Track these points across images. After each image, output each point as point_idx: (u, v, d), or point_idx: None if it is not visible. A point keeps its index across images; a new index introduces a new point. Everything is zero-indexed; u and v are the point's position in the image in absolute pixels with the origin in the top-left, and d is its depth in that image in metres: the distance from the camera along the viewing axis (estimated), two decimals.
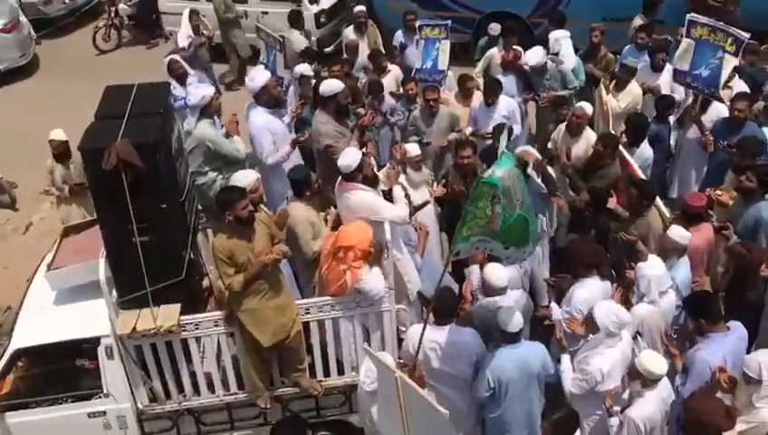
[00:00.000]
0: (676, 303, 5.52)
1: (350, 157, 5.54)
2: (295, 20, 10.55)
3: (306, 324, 5.44)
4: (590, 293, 5.33)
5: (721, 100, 7.32)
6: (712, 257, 6.17)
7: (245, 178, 5.69)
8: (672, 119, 7.90)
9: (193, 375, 5.57)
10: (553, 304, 5.46)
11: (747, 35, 7.12)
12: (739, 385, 4.51)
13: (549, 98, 8.33)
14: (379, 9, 11.50)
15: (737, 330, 4.94)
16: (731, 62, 7.14)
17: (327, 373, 5.70)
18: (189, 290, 5.57)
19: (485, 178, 4.25)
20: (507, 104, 7.97)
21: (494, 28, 9.47)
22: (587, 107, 7.40)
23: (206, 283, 6.09)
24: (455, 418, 5.11)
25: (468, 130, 7.91)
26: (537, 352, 5.00)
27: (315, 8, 12.14)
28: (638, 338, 5.22)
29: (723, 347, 4.82)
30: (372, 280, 5.23)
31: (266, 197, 6.36)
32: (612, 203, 6.29)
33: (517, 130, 7.88)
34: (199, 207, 6.18)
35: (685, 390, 4.84)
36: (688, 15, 7.57)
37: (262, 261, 5.00)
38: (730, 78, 7.59)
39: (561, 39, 8.51)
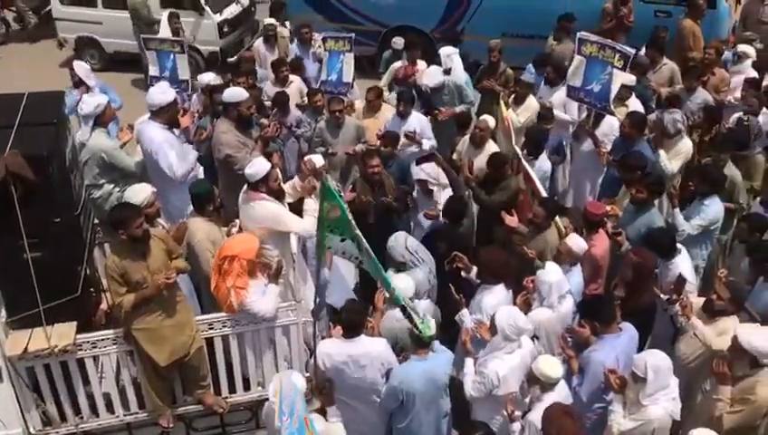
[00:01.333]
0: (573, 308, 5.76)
1: (257, 166, 5.48)
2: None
3: (210, 340, 5.33)
4: (497, 299, 5.47)
5: (612, 113, 7.69)
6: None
7: (141, 192, 5.53)
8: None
9: (91, 396, 5.35)
10: (464, 311, 5.57)
11: (633, 51, 7.54)
12: (629, 384, 4.70)
13: (448, 113, 8.52)
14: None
15: (628, 330, 5.16)
16: (619, 77, 7.51)
17: (232, 389, 5.61)
18: (86, 307, 5.37)
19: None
20: (418, 118, 8.11)
21: (398, 42, 9.66)
22: (490, 120, 7.62)
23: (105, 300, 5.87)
24: (366, 430, 5.17)
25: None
26: (444, 364, 5.06)
27: (218, 18, 12.01)
28: (535, 341, 5.38)
29: (615, 348, 5.02)
30: (260, 301, 5.19)
31: (164, 211, 6.19)
32: (513, 221, 6.48)
33: (427, 145, 8.01)
34: (96, 221, 5.95)
35: (581, 390, 5.02)
36: (579, 34, 7.94)
37: (155, 284, 4.87)
38: (626, 96, 8.02)
39: (452, 55, 8.79)
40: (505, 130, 8.06)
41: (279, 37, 10.32)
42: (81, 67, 8.18)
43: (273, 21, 10.43)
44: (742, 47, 9.25)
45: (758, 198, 6.97)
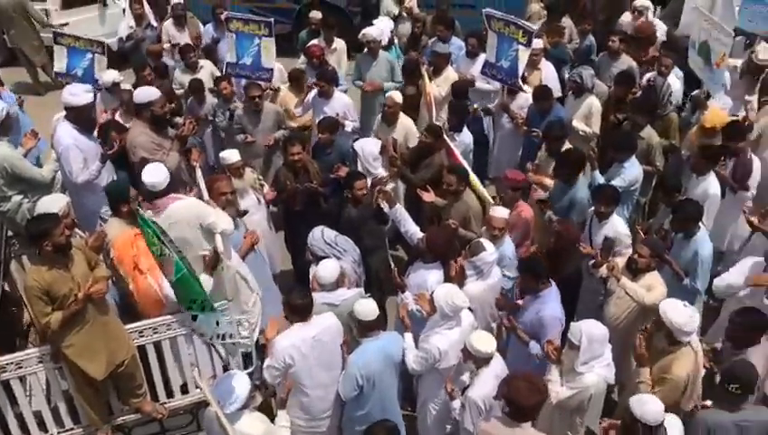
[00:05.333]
0: (511, 275, 5.90)
1: (156, 175, 5.15)
2: None
3: (143, 347, 5.18)
4: (437, 278, 5.53)
5: (521, 89, 7.79)
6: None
7: (54, 204, 5.26)
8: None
9: (20, 416, 5.14)
10: (407, 293, 5.58)
11: (535, 27, 7.63)
12: (564, 352, 4.83)
13: (374, 85, 8.43)
14: (192, 3, 11.06)
15: (553, 284, 5.32)
16: (525, 53, 7.60)
17: (170, 394, 5.48)
18: (6, 325, 5.12)
19: (141, 214, 4.28)
20: (341, 98, 8.00)
21: (315, 16, 9.51)
22: (396, 96, 7.54)
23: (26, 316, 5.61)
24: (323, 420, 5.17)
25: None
26: (397, 341, 5.14)
27: (123, 3, 11.51)
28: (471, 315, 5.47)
29: (555, 298, 5.23)
30: None
31: (79, 217, 5.93)
32: (430, 196, 6.51)
33: (349, 126, 7.95)
34: (9, 234, 5.66)
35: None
36: (485, 10, 7.98)
37: (83, 296, 4.67)
38: (536, 61, 8.13)
39: (387, 30, 8.74)
40: (428, 104, 8.08)
41: (189, 17, 9.99)
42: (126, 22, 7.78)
43: (180, 0, 10.06)
44: (638, 1, 9.48)
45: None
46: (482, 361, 4.74)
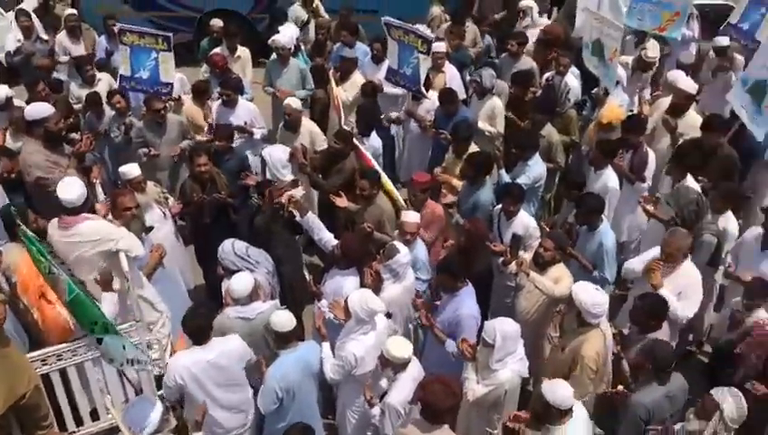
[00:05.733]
0: (424, 277, 5.94)
1: (74, 191, 5.00)
2: None
3: (47, 375, 4.93)
4: (353, 284, 5.51)
5: (424, 95, 7.89)
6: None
7: None
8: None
9: None
10: (323, 301, 5.54)
11: (432, 36, 7.74)
12: (479, 350, 4.91)
13: (286, 92, 8.34)
14: (86, 13, 10.65)
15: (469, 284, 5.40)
16: (426, 62, 7.70)
17: (79, 422, 5.24)
18: None
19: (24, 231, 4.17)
20: (246, 107, 7.90)
21: (216, 24, 9.33)
22: (294, 102, 7.48)
23: None
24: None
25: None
26: (314, 350, 5.09)
27: (11, 15, 10.92)
28: (390, 321, 5.46)
29: (471, 296, 5.31)
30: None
31: None
32: (343, 202, 6.51)
33: (258, 133, 7.85)
34: None
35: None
36: (383, 18, 8.05)
37: None
38: (440, 64, 8.25)
39: (295, 36, 8.65)
40: (336, 108, 8.07)
41: (84, 29, 9.62)
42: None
43: (73, 11, 9.68)
44: (523, 2, 9.76)
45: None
46: (399, 366, 4.75)
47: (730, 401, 4.32)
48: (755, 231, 5.93)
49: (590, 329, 4.97)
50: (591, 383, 4.99)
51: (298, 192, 6.06)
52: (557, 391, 4.31)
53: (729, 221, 6.06)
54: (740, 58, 8.37)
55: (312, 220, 6.05)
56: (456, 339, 5.18)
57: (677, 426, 4.62)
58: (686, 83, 7.38)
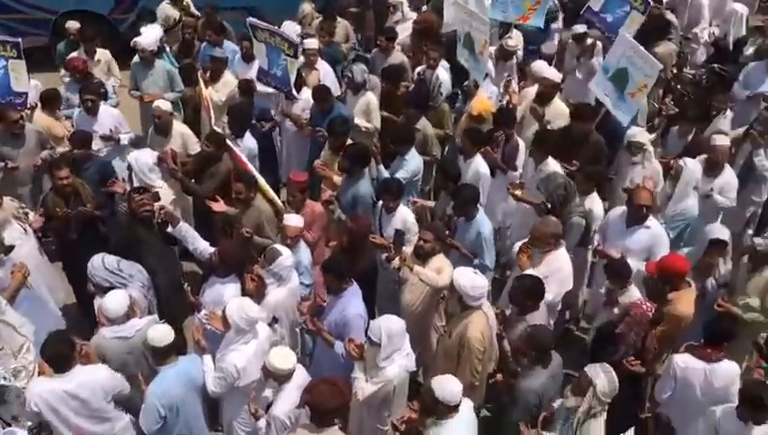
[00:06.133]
0: (307, 282, 5.86)
1: None
2: None
3: None
4: (233, 291, 5.35)
5: (295, 97, 7.80)
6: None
7: None
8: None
9: None
10: (203, 311, 5.35)
11: (298, 40, 7.71)
12: (366, 349, 4.89)
13: (154, 96, 7.98)
14: None
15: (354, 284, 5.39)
16: (294, 65, 7.61)
17: None
18: None
19: None
20: (110, 113, 7.53)
21: (72, 26, 8.88)
22: (164, 105, 7.24)
23: None
24: None
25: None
26: (196, 363, 4.93)
27: None
28: (275, 325, 5.38)
29: (357, 295, 5.30)
30: None
31: None
32: (220, 206, 6.35)
33: (125, 138, 7.49)
34: None
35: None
36: (248, 20, 7.89)
37: None
38: (313, 61, 8.17)
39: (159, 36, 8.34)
40: (206, 109, 7.83)
41: None
42: None
43: None
44: None
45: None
46: (283, 377, 4.66)
47: (602, 377, 4.52)
48: (619, 210, 6.25)
49: (473, 311, 5.13)
50: (480, 363, 5.12)
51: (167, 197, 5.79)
52: (446, 386, 4.36)
53: (594, 202, 6.36)
54: (599, 44, 8.76)
55: (185, 230, 5.84)
56: (344, 340, 5.14)
57: (556, 403, 4.80)
58: (550, 73, 7.68)
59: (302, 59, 8.09)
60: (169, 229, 5.84)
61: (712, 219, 6.67)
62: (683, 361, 5.00)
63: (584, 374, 4.60)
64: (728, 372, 4.97)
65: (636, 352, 5.16)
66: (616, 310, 5.54)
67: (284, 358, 4.65)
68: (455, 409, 4.37)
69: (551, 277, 5.54)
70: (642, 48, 7.09)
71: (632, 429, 5.02)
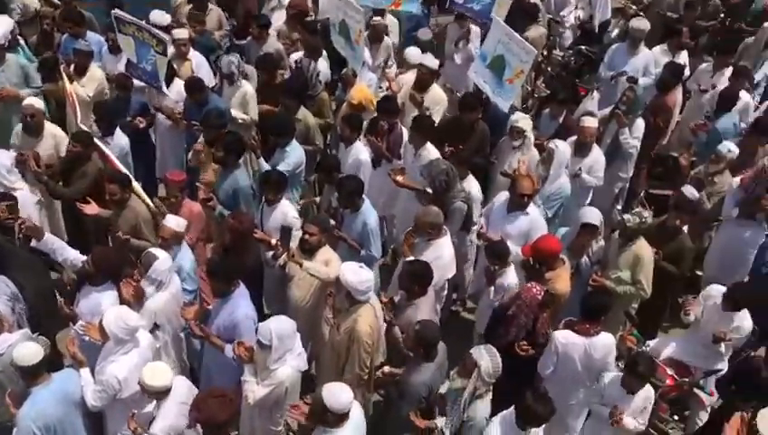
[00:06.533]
0: (190, 288, 5.67)
1: None
2: None
3: None
4: (111, 300, 5.13)
5: (165, 94, 7.49)
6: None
7: None
8: None
9: None
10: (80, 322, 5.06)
11: (167, 37, 7.36)
12: (256, 352, 4.79)
13: (9, 93, 7.36)
14: None
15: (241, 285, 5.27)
16: (163, 61, 7.30)
17: None
18: None
19: None
20: None
21: None
22: (35, 102, 6.78)
23: None
24: None
25: None
26: (73, 377, 4.70)
27: None
28: (157, 332, 5.20)
29: (246, 298, 5.18)
30: None
31: None
32: (93, 208, 6.06)
33: None
34: None
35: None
36: (114, 12, 7.50)
37: None
38: (184, 52, 7.84)
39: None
40: (72, 106, 7.36)
41: None
42: None
43: None
44: None
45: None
46: (159, 394, 4.48)
47: (486, 358, 4.66)
48: (503, 196, 6.41)
49: (361, 305, 5.14)
50: (369, 357, 5.15)
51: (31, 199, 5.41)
52: (336, 395, 4.33)
53: (471, 185, 6.49)
54: (476, 28, 8.88)
55: (51, 242, 5.54)
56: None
57: (444, 387, 4.90)
58: (427, 60, 7.74)
59: (172, 50, 7.75)
60: (34, 244, 5.48)
61: (583, 198, 7.01)
62: (563, 337, 5.21)
63: (469, 356, 4.72)
64: (605, 343, 5.24)
65: (527, 335, 5.34)
66: (492, 289, 5.75)
67: (158, 375, 4.48)
68: (345, 416, 4.35)
69: (433, 264, 5.62)
70: (517, 35, 7.27)
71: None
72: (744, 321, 5.63)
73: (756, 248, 6.57)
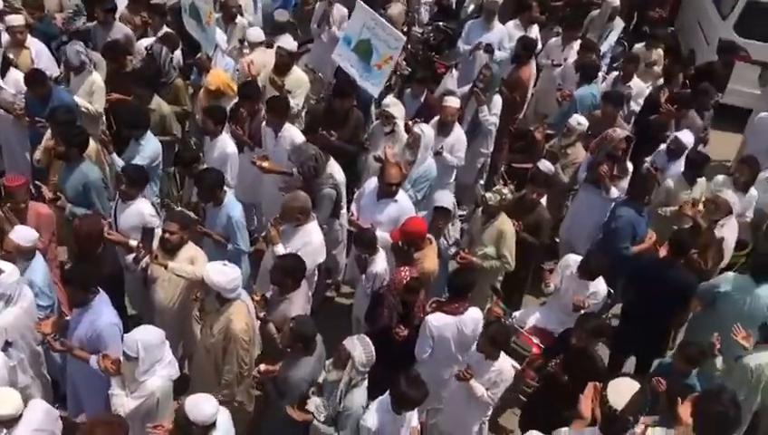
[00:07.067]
0: (44, 304, 5.31)
1: None
2: None
3: None
4: None
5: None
6: None
7: None
8: None
9: None
10: None
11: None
12: (123, 364, 4.57)
13: None
14: None
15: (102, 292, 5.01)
16: None
17: None
18: None
19: None
20: None
21: None
22: None
23: None
24: None
25: None
26: None
27: None
28: (9, 349, 4.87)
29: (108, 305, 4.97)
30: None
31: None
32: None
33: None
34: None
35: None
36: None
37: None
38: (21, 39, 7.22)
39: None
40: None
41: None
42: None
43: None
44: None
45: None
46: (6, 423, 4.15)
47: (359, 348, 4.70)
48: (373, 183, 6.40)
49: (232, 303, 5.02)
50: (247, 354, 5.06)
51: None
52: (199, 407, 4.17)
53: (334, 170, 6.41)
54: (343, 11, 8.73)
55: None
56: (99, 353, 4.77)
57: (321, 378, 4.90)
58: (285, 41, 7.57)
59: (6, 37, 7.11)
60: None
61: (447, 177, 7.14)
62: (436, 320, 5.32)
63: (343, 347, 4.73)
64: (474, 318, 5.41)
65: (401, 318, 5.43)
66: (364, 277, 5.79)
67: (3, 401, 4.16)
68: (211, 427, 4.22)
69: (302, 251, 5.59)
70: (382, 19, 7.22)
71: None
72: (599, 286, 5.96)
73: (601, 211, 6.90)
